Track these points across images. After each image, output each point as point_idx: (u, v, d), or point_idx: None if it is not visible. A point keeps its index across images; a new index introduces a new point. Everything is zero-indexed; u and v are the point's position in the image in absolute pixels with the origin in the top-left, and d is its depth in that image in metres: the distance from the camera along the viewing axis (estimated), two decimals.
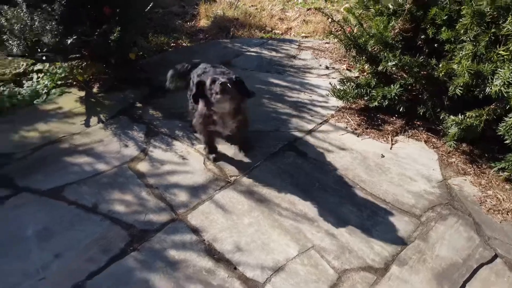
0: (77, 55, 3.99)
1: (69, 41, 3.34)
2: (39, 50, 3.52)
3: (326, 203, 2.81)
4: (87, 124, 3.64)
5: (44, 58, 3.75)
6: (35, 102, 3.96)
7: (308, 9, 6.03)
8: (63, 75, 4.25)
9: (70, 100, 3.97)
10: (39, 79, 4.31)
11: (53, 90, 4.12)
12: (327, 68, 4.50)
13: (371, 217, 2.72)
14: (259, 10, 6.02)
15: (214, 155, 3.20)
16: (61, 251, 2.48)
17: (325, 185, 2.95)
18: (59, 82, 4.22)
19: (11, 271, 2.35)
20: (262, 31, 5.42)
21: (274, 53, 4.77)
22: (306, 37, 5.27)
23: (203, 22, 5.70)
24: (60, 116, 3.75)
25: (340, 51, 4.73)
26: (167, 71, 4.27)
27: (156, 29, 5.34)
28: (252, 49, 4.89)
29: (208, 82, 2.76)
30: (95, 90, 4.14)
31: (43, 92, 4.09)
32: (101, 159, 3.22)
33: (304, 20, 5.65)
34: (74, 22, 3.56)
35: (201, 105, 2.94)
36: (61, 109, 3.85)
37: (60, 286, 2.28)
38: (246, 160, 3.18)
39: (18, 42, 3.44)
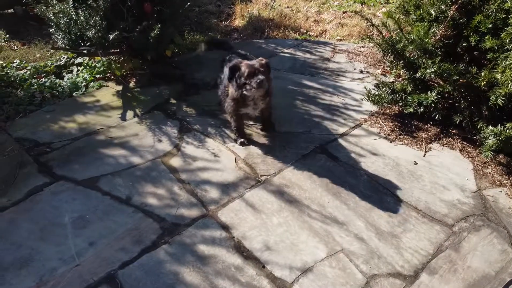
0: (116, 50, 4.11)
1: (111, 36, 3.44)
2: (82, 44, 3.63)
3: (356, 207, 2.80)
4: (123, 117, 3.74)
5: (85, 52, 3.87)
6: (74, 94, 4.11)
7: (343, 12, 5.99)
8: (101, 69, 4.38)
9: (108, 94, 4.09)
10: (78, 72, 4.47)
11: (92, 83, 4.25)
12: (361, 72, 4.47)
13: (401, 224, 2.69)
14: (294, 11, 6.03)
15: (242, 140, 3.37)
16: (95, 240, 2.57)
17: (356, 189, 2.94)
18: (97, 76, 4.35)
19: (49, 256, 2.45)
20: (297, 33, 5.42)
21: (308, 55, 4.77)
22: (341, 40, 5.24)
23: (238, 22, 5.75)
24: (98, 108, 3.87)
25: (376, 56, 4.69)
26: (201, 69, 4.38)
27: (191, 27, 5.43)
28: (286, 50, 4.91)
29: (245, 73, 2.98)
30: (131, 85, 4.25)
31: (82, 85, 4.23)
32: (136, 153, 3.30)
33: (339, 23, 5.62)
34: (116, 18, 3.67)
35: (232, 90, 3.16)
36: (99, 102, 3.97)
37: (94, 274, 2.36)
38: (277, 160, 3.20)
39: (63, 35, 3.58)
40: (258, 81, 2.92)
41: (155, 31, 3.57)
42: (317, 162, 3.19)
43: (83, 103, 3.94)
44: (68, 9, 3.51)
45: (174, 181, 3.03)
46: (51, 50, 5.03)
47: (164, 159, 3.24)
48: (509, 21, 2.57)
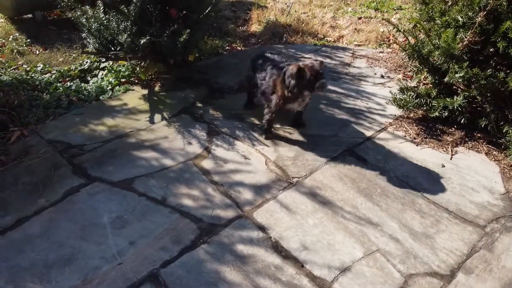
0: (142, 55, 4.18)
1: (142, 41, 3.51)
2: (112, 48, 3.71)
3: (388, 209, 2.86)
4: (151, 121, 3.80)
5: (112, 56, 3.95)
6: (101, 97, 4.17)
7: (359, 18, 6.08)
8: (126, 73, 4.46)
9: (134, 97, 4.16)
10: (103, 76, 4.54)
11: (117, 87, 4.32)
12: (382, 77, 4.54)
13: (434, 225, 2.75)
14: (310, 17, 6.11)
15: (270, 135, 3.57)
16: (135, 239, 2.62)
17: (387, 191, 3.00)
18: (122, 80, 4.42)
19: (91, 255, 2.51)
20: (315, 38, 5.50)
21: (328, 60, 4.84)
22: (359, 45, 5.32)
23: (255, 27, 5.83)
24: (126, 112, 3.93)
25: (395, 61, 4.77)
26: (224, 74, 4.47)
27: (210, 32, 5.51)
28: (306, 55, 4.98)
29: (307, 75, 3.07)
30: (156, 88, 4.32)
31: (108, 88, 4.30)
32: (167, 155, 3.36)
33: (355, 29, 5.71)
34: (144, 23, 3.75)
35: (284, 90, 3.25)
36: (126, 105, 4.04)
37: (137, 272, 2.41)
38: (307, 162, 3.27)
39: (94, 40, 3.66)
40: (322, 84, 3.03)
41: (184, 36, 3.64)
42: (347, 164, 3.25)
43: (110, 107, 4.01)
44: (100, 14, 3.58)
45: (207, 182, 3.09)
46: (74, 55, 5.11)
47: (196, 161, 3.30)
48: None
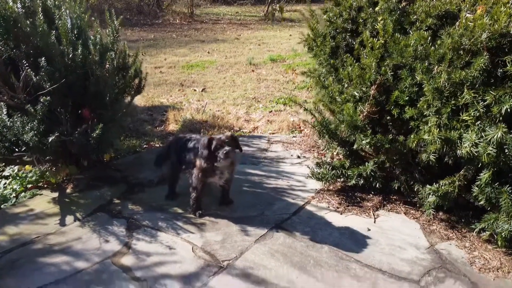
0: (52, 157, 3.96)
1: (50, 139, 3.34)
2: (16, 150, 3.46)
3: (324, 279, 2.75)
4: (62, 223, 3.46)
5: (17, 160, 3.67)
6: (2, 206, 3.76)
7: (270, 111, 6.50)
8: (33, 178, 4.13)
9: (42, 202, 3.81)
10: (6, 185, 4.15)
11: (23, 194, 3.95)
12: (298, 157, 4.73)
13: (372, 287, 2.68)
14: (225, 113, 6.40)
15: (200, 211, 3.53)
16: None
17: (320, 261, 2.92)
18: (29, 186, 4.07)
19: None
20: (231, 131, 5.69)
21: (246, 148, 4.97)
22: (273, 133, 5.60)
23: (172, 126, 5.92)
24: (32, 217, 3.55)
25: (308, 143, 5.05)
26: (143, 169, 4.34)
27: (127, 134, 5.47)
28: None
29: (213, 146, 3.23)
30: (68, 190, 4.02)
31: (11, 196, 3.92)
32: (80, 257, 3.01)
33: (268, 120, 6.05)
34: (53, 124, 3.61)
35: (199, 162, 3.37)
36: (33, 211, 3.66)
37: None
38: (236, 244, 3.12)
39: None
40: (225, 152, 3.18)
41: (97, 131, 3.54)
42: (277, 240, 3.16)
43: (14, 214, 3.60)
44: (2, 116, 3.40)
45: (128, 280, 2.77)
46: None
47: (114, 259, 2.99)
48: (424, 90, 3.01)
